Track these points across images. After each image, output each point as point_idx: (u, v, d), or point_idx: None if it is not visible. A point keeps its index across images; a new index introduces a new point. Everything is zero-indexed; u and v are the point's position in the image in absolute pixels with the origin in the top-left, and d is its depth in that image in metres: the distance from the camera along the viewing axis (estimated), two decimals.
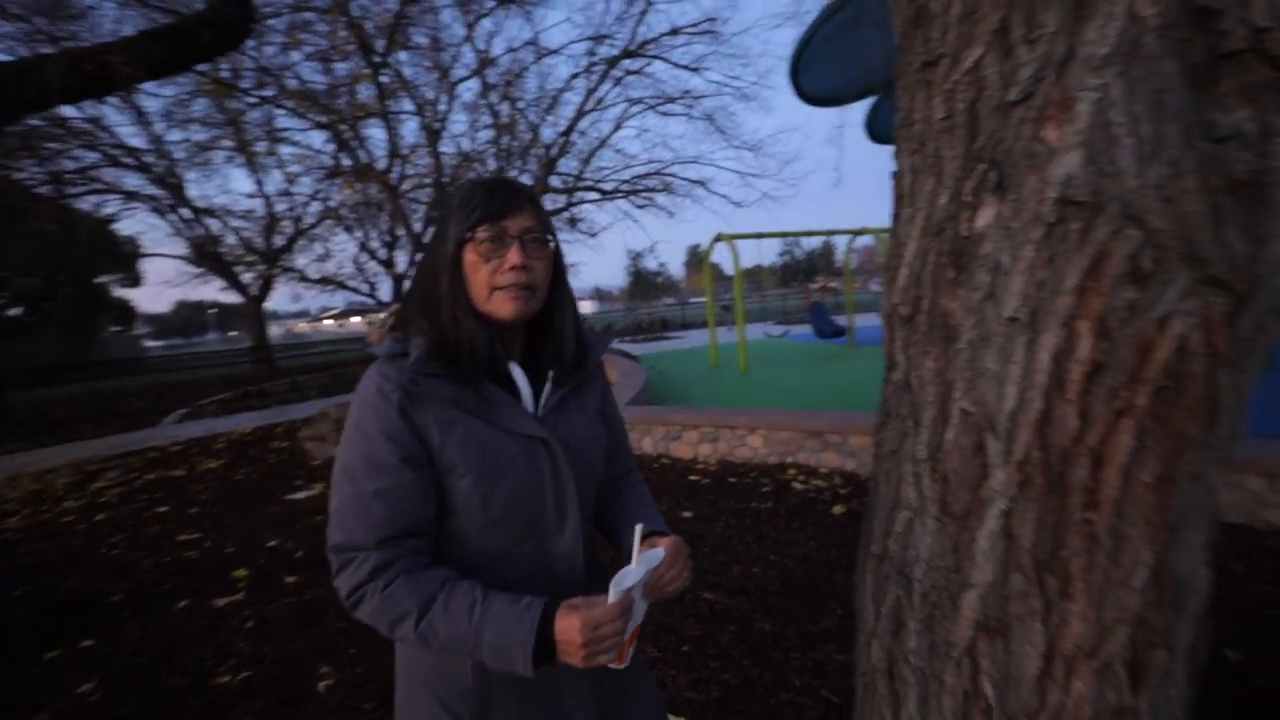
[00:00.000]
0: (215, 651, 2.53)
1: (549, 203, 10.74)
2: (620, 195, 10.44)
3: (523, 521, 0.86)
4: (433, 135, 8.62)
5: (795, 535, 3.16)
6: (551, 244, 0.88)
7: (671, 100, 10.23)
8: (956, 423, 0.88)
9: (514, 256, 0.82)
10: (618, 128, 10.14)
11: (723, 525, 3.38)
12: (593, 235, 13.60)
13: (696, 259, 76.68)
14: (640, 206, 11.17)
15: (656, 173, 10.61)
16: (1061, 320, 0.76)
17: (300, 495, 4.80)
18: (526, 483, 0.85)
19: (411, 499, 0.80)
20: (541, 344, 0.92)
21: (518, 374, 0.89)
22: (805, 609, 2.46)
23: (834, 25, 6.87)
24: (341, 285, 16.11)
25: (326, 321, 68.31)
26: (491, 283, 0.82)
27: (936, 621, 0.96)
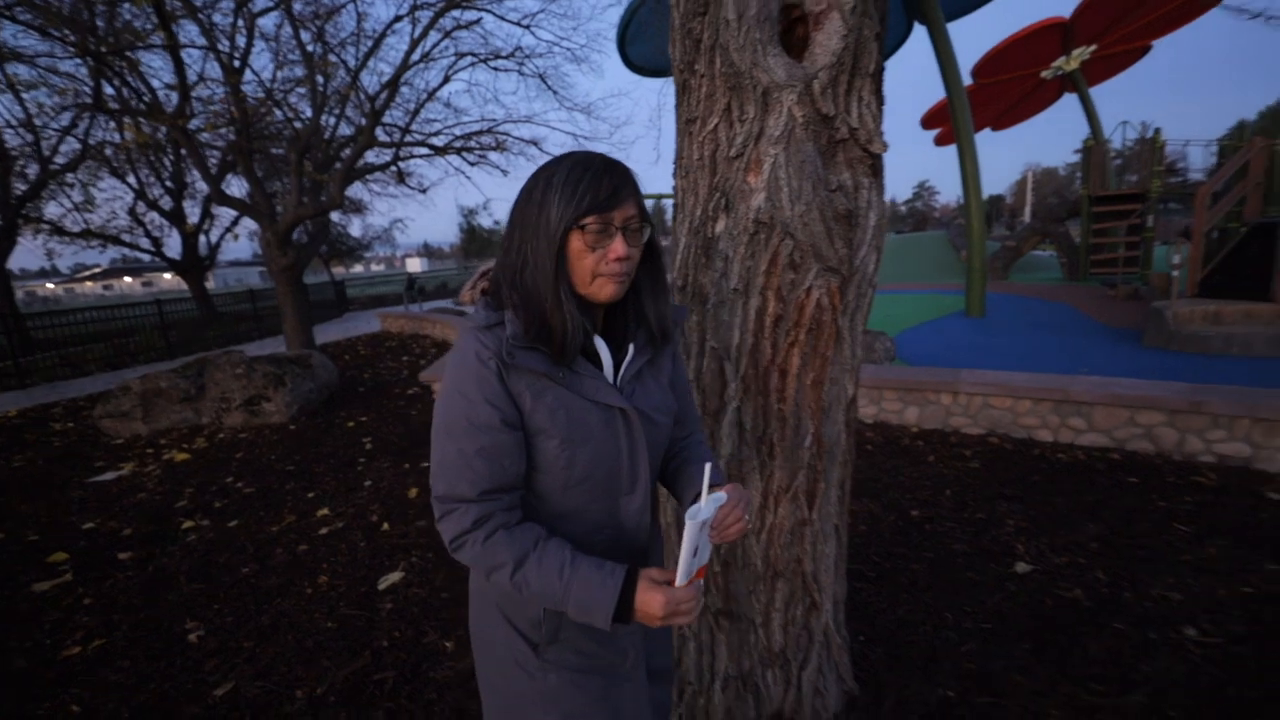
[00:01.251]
0: (54, 630, 2.47)
1: (374, 156, 10.10)
2: (452, 151, 10.14)
3: (600, 482, 0.93)
4: (231, 72, 7.69)
5: None
6: (648, 232, 0.92)
7: (502, 56, 10.09)
8: (708, 355, 1.39)
9: (619, 248, 0.86)
10: (447, 80, 9.78)
11: None
12: (422, 190, 13.06)
13: None
14: (473, 163, 10.96)
15: (489, 130, 10.45)
16: (759, 290, 1.29)
17: (108, 477, 4.41)
18: (606, 448, 0.92)
19: (508, 458, 0.88)
20: (620, 315, 0.98)
21: (601, 346, 0.94)
22: None
23: (653, 4, 7.32)
24: (115, 240, 13.71)
25: (87, 284, 56.67)
26: (595, 270, 0.87)
27: None
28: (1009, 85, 15.17)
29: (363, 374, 7.70)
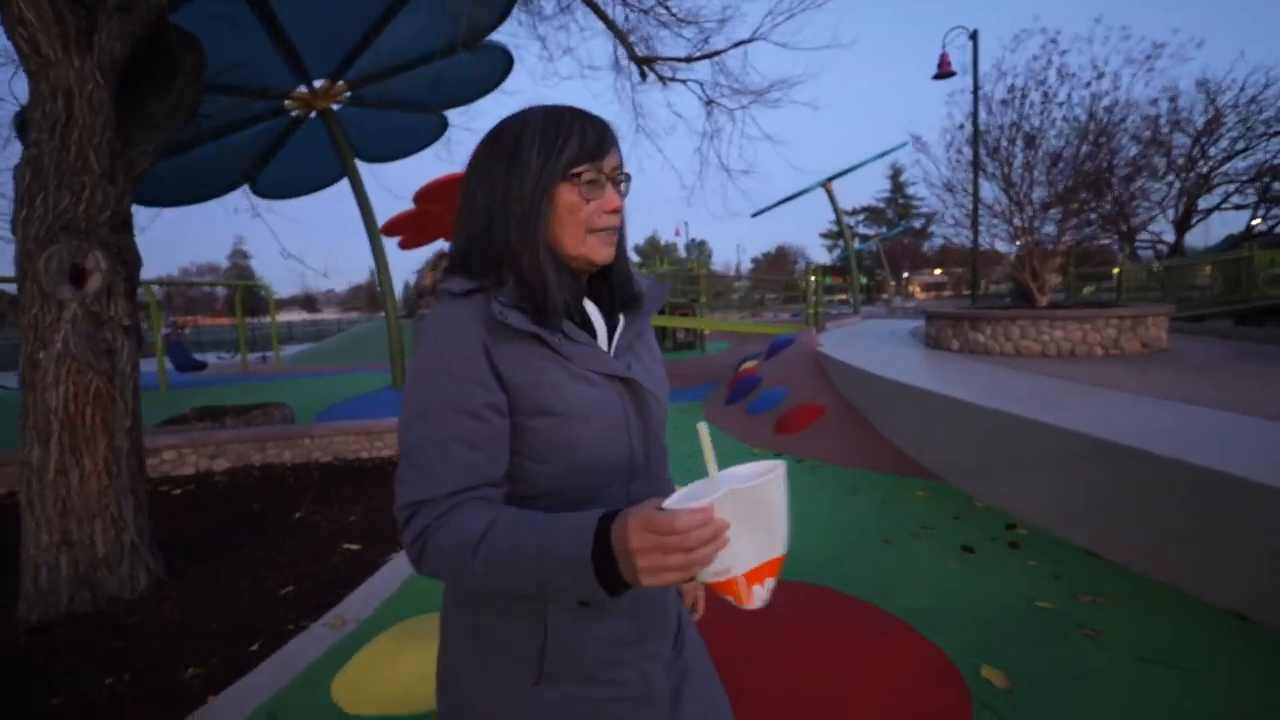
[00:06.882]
0: None
1: None
2: None
3: (606, 465, 0.82)
4: None
5: None
6: (628, 186, 0.84)
7: None
8: (39, 412, 3.01)
9: (614, 198, 0.80)
10: None
11: None
12: None
13: None
14: None
15: None
16: (65, 381, 3.00)
17: None
18: (611, 425, 0.82)
19: (488, 449, 0.76)
20: (601, 284, 0.89)
21: (594, 312, 0.86)
22: None
23: None
24: None
25: None
26: (590, 224, 0.79)
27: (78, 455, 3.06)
28: (446, 211, 19.80)
29: None
